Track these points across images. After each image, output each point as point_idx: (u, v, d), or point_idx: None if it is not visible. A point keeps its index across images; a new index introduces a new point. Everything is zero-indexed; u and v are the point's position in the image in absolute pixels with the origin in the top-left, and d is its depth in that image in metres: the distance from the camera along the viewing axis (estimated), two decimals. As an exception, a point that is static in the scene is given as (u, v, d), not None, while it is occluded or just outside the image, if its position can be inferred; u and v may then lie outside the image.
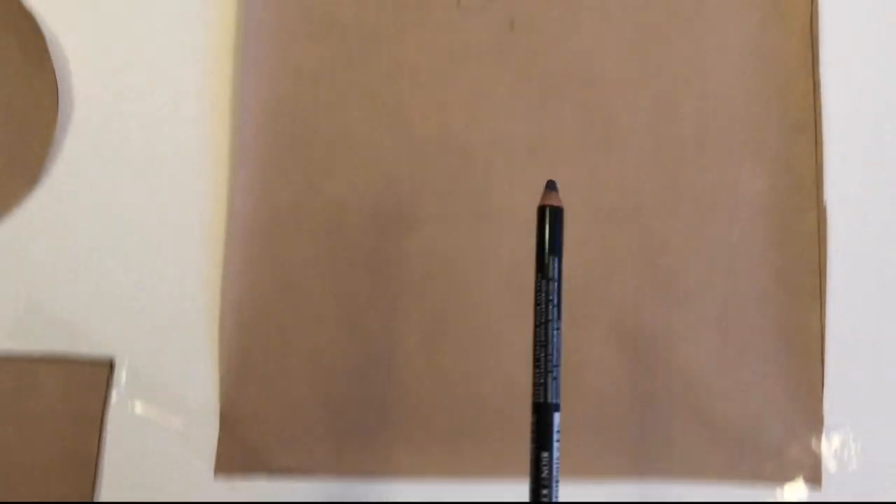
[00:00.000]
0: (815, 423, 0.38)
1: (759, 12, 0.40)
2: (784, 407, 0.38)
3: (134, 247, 0.39)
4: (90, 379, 0.39)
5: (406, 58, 0.40)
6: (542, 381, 0.28)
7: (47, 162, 0.40)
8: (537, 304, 0.28)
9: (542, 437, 0.28)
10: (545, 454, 0.28)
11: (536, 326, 0.28)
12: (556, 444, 0.28)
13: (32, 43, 0.40)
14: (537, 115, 0.40)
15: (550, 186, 0.29)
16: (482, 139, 0.40)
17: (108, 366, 0.39)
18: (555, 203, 0.29)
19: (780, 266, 0.39)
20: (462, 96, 0.40)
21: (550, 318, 0.28)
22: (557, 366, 0.28)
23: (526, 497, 0.28)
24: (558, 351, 0.28)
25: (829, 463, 0.38)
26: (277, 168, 0.39)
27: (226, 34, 0.41)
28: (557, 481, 0.28)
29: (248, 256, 0.39)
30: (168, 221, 0.40)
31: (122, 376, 0.39)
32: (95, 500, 0.38)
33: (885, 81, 0.40)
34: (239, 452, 0.38)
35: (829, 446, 0.38)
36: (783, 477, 0.37)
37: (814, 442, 0.38)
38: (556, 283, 0.28)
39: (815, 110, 0.39)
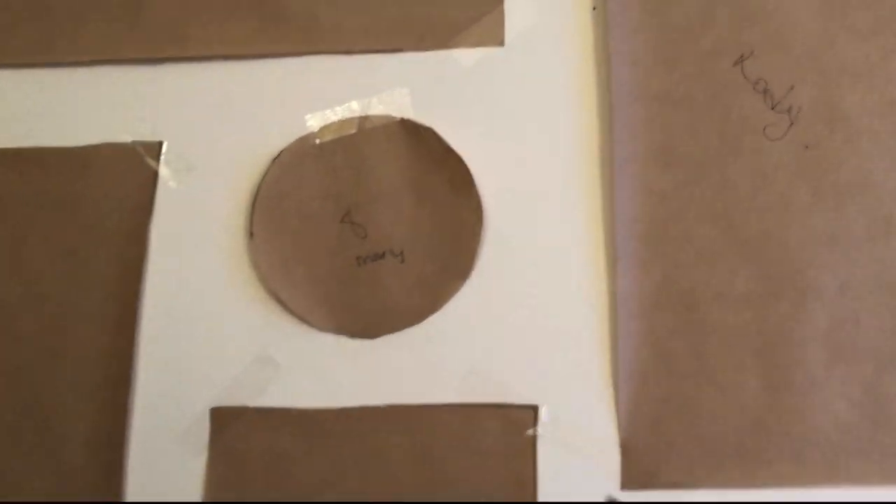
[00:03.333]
0: None
1: None
2: None
3: (540, 322, 0.54)
4: (521, 420, 0.53)
5: (729, 176, 0.55)
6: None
7: (474, 263, 0.55)
8: None
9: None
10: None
11: None
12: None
13: (460, 176, 0.56)
14: (831, 215, 0.54)
15: None
16: (792, 235, 0.54)
17: (533, 410, 0.53)
18: None
19: None
20: (773, 202, 0.54)
21: None
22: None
23: None
24: None
25: None
26: (643, 260, 0.54)
27: (593, 166, 0.55)
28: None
29: (633, 325, 0.53)
30: (564, 302, 0.54)
31: (545, 418, 0.53)
32: (537, 510, 0.52)
33: None
34: (636, 472, 0.52)
35: None
36: None
37: None
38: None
39: None
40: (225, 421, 0.54)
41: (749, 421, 0.52)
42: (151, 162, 0.58)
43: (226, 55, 0.59)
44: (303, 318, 0.55)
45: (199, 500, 0.53)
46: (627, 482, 0.52)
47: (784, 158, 0.55)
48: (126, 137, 0.58)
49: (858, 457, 0.51)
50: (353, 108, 0.58)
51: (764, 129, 0.55)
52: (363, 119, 0.57)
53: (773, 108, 0.56)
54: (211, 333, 0.55)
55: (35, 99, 0.59)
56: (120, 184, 0.58)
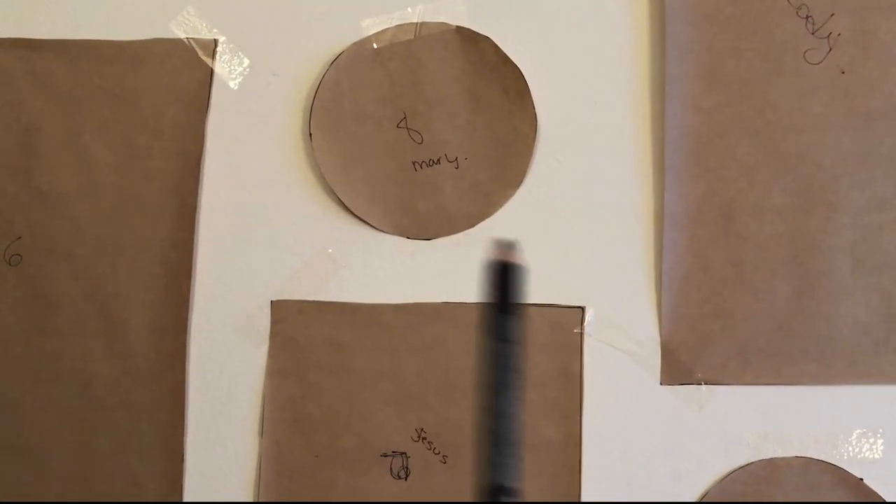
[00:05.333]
0: None
1: None
2: None
3: (588, 229, 0.57)
4: (568, 320, 0.56)
5: (770, 96, 0.58)
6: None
7: (527, 172, 0.57)
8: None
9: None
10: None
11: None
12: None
13: (515, 86, 0.57)
14: (861, 136, 0.58)
15: (506, 247, 0.24)
16: (825, 153, 0.57)
17: (581, 311, 0.56)
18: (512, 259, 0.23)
19: None
20: (809, 122, 0.58)
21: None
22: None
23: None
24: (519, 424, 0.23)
25: None
26: (689, 174, 0.57)
27: (644, 82, 0.58)
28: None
29: (677, 234, 0.56)
30: (611, 211, 0.57)
31: (590, 318, 0.56)
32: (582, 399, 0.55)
33: None
34: (675, 370, 0.56)
35: None
36: None
37: None
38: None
39: None
40: (285, 313, 0.56)
41: (779, 324, 0.56)
42: (206, 59, 0.58)
43: (282, -45, 0.59)
44: (361, 218, 0.57)
45: (260, 386, 0.56)
46: (667, 378, 0.56)
47: (822, 81, 0.58)
48: (180, 34, 0.58)
49: (875, 356, 0.56)
50: (409, 14, 0.59)
51: (804, 53, 0.58)
52: (420, 25, 0.58)
53: (813, 34, 0.59)
54: (271, 229, 0.57)
55: (87, -10, 0.58)
56: (175, 79, 0.58)
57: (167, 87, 0.58)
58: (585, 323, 0.56)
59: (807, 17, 0.59)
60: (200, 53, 0.58)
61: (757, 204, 0.57)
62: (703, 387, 0.56)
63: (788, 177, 0.57)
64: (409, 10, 0.58)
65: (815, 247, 0.57)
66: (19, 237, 0.57)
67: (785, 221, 0.57)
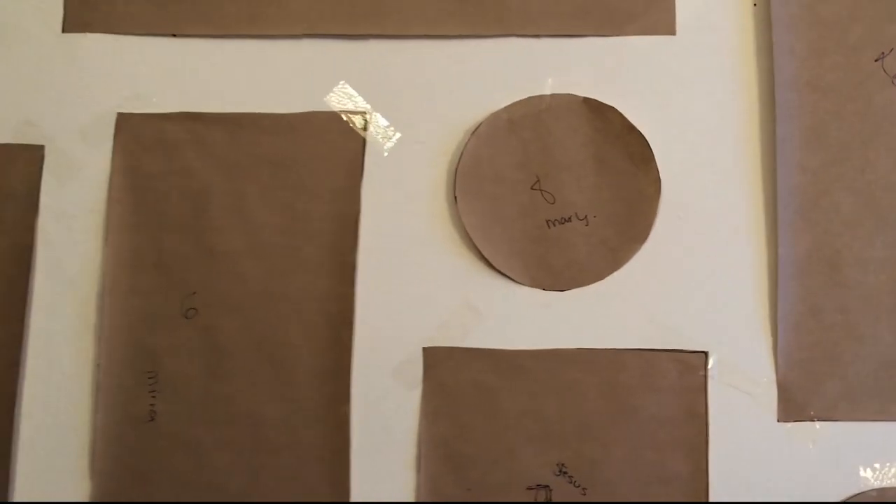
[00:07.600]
0: None
1: None
2: None
3: (709, 280, 0.63)
4: (694, 364, 0.62)
5: (870, 157, 0.64)
6: None
7: (651, 229, 0.63)
8: None
9: None
10: None
11: None
12: None
13: (640, 151, 0.63)
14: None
15: None
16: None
17: (704, 355, 0.62)
18: None
19: None
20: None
21: None
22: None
23: None
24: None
25: None
26: (797, 228, 0.63)
27: (754, 145, 0.64)
28: None
29: (789, 284, 0.62)
30: (729, 264, 0.63)
31: (713, 362, 0.62)
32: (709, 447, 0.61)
33: None
34: (790, 408, 0.62)
35: None
36: None
37: None
38: None
39: None
40: (436, 359, 0.62)
41: (883, 365, 0.62)
42: (359, 130, 0.64)
43: (422, 34, 0.65)
44: (501, 272, 0.63)
45: (416, 425, 0.62)
46: (783, 415, 0.62)
47: (917, 144, 0.64)
48: (335, 107, 0.65)
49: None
50: (540, 87, 0.65)
51: (901, 119, 0.64)
52: (550, 97, 0.65)
53: (908, 100, 0.65)
54: (421, 283, 0.63)
55: (249, 68, 0.65)
56: (331, 148, 0.64)
57: (324, 156, 0.64)
58: (709, 366, 0.62)
59: (901, 85, 0.65)
60: (353, 125, 0.64)
61: (860, 256, 0.63)
62: (816, 423, 0.62)
63: (888, 231, 0.63)
64: (541, 82, 0.65)
65: (914, 295, 0.63)
66: (194, 292, 0.63)
67: (886, 272, 0.63)
